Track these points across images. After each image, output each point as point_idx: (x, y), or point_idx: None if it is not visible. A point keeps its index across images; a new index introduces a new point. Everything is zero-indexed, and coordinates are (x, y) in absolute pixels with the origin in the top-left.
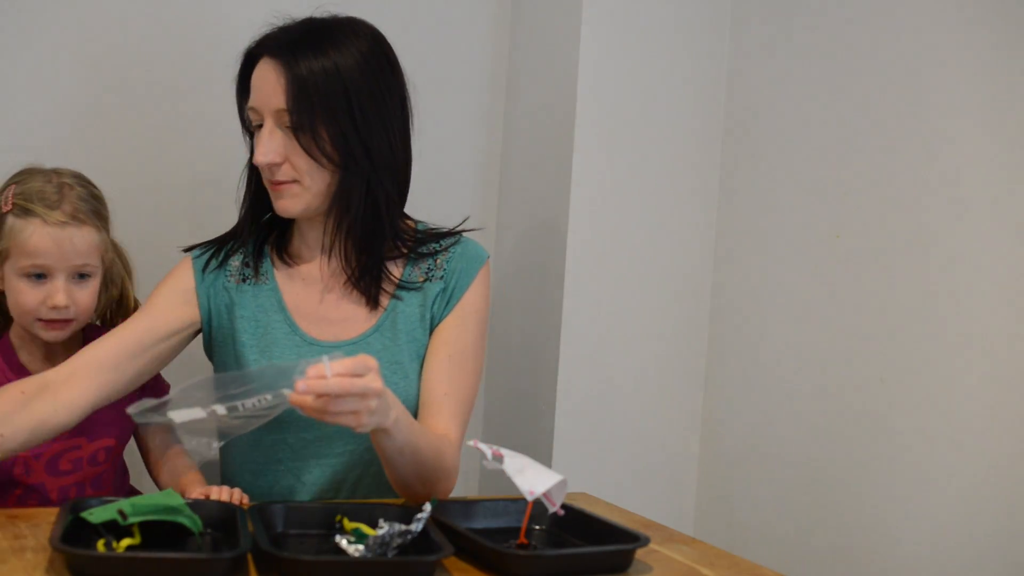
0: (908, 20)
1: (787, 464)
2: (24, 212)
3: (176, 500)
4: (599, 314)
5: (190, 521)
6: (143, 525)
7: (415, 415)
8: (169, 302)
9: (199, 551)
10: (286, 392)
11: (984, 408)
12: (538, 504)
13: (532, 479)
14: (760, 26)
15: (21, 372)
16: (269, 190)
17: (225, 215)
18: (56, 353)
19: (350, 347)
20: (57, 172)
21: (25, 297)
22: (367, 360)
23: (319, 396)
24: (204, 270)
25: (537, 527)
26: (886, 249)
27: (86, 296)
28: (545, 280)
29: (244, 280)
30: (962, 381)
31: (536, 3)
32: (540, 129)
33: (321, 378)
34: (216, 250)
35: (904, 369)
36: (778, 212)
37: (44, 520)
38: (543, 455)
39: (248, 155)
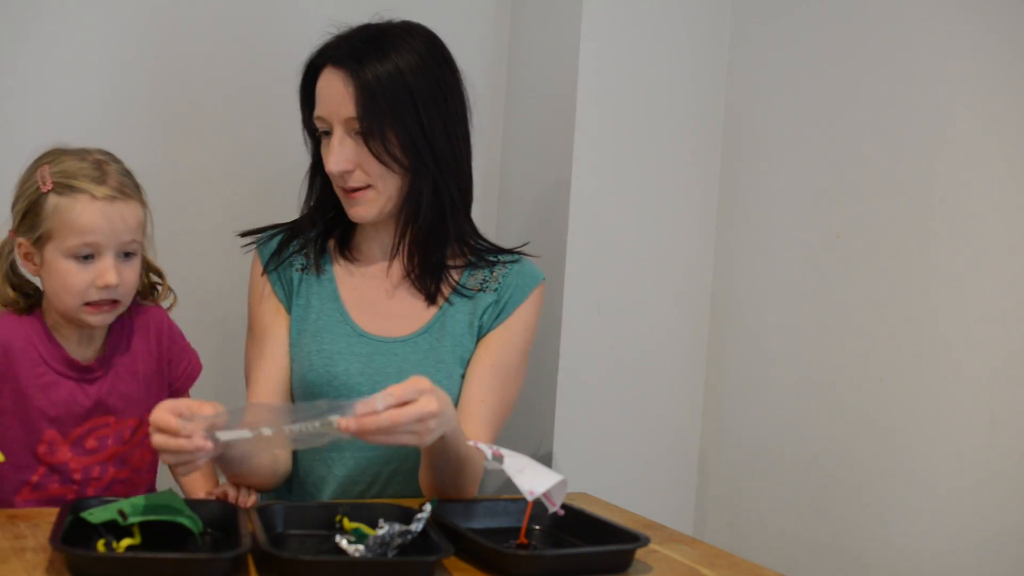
0: (908, 20)
1: (787, 464)
2: (69, 190)
3: (176, 500)
4: (599, 314)
5: (190, 521)
6: (143, 525)
7: None
8: (271, 320)
9: (199, 551)
10: (333, 420)
11: (984, 408)
12: (538, 504)
13: (532, 479)
14: (760, 26)
15: (61, 353)
16: (342, 197)
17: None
18: (92, 338)
19: (398, 344)
20: (86, 150)
21: (74, 279)
22: (419, 383)
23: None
24: (271, 264)
25: (537, 527)
26: (886, 249)
27: (132, 274)
28: (546, 279)
29: (303, 270)
30: (962, 381)
31: (536, 3)
32: (540, 129)
33: (372, 413)
34: (278, 240)
35: (904, 369)
36: (778, 212)
37: (44, 520)
38: (543, 455)
39: (311, 160)
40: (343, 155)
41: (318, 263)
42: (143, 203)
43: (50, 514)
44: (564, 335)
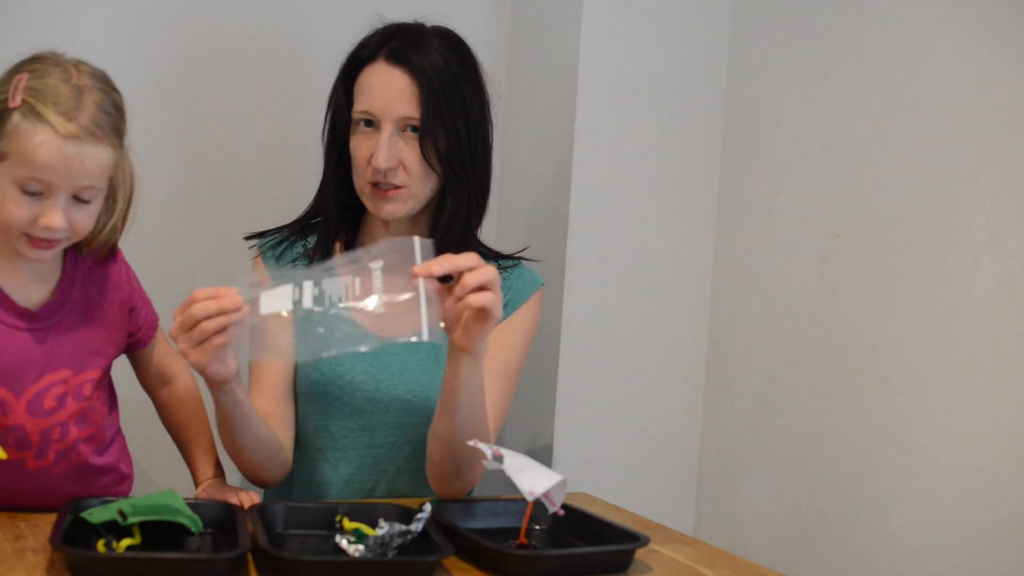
0: (909, 20)
1: (787, 464)
2: (34, 116)
3: (176, 500)
4: (599, 314)
5: (190, 521)
6: (143, 525)
7: None
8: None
9: (199, 551)
10: (375, 284)
11: (984, 408)
12: (538, 504)
13: (532, 479)
14: (760, 25)
15: (3, 300)
16: (370, 192)
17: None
18: (43, 280)
19: (402, 343)
20: (77, 68)
21: (17, 210)
22: (474, 256)
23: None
24: (276, 264)
25: (537, 527)
26: (886, 249)
27: (84, 219)
28: (545, 280)
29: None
30: (962, 381)
31: (536, 3)
32: (540, 129)
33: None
34: (283, 243)
35: (904, 369)
36: (778, 212)
37: (44, 520)
38: (543, 455)
39: (328, 156)
40: (392, 152)
41: (319, 261)
42: (115, 146)
43: (50, 514)
44: (564, 335)
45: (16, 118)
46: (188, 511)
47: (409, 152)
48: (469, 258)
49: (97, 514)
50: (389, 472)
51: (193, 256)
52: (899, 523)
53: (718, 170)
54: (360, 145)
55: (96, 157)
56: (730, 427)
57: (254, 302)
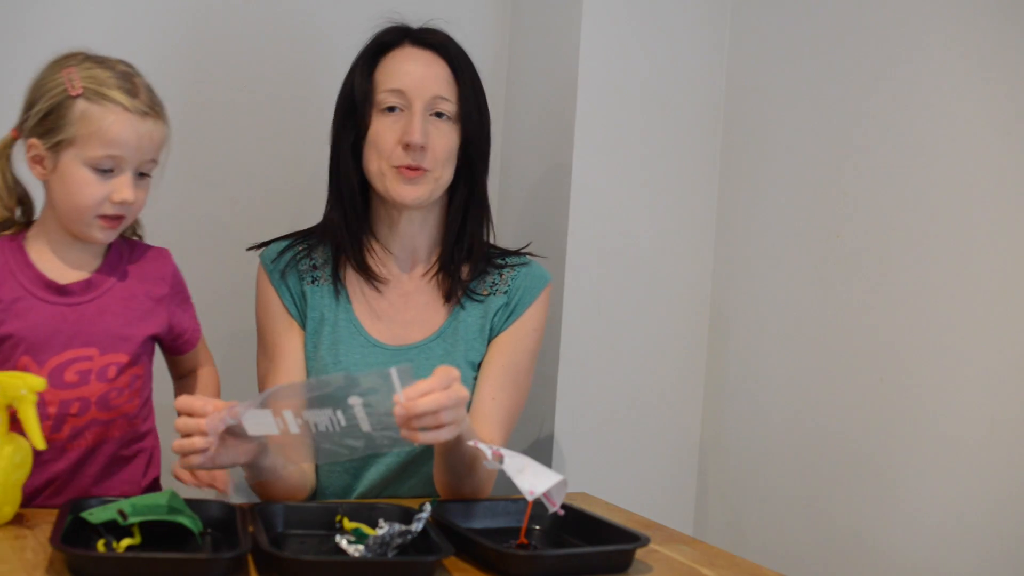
0: (909, 20)
1: (787, 464)
2: (100, 97)
3: (176, 500)
4: (599, 315)
5: (190, 521)
6: (143, 525)
7: None
8: (282, 335)
9: (199, 551)
10: (359, 416)
11: (984, 408)
12: (538, 504)
13: (532, 479)
14: (760, 25)
15: (35, 274)
16: (394, 176)
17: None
18: (83, 262)
19: (413, 351)
20: (109, 59)
21: (91, 189)
22: (450, 371)
23: (418, 416)
24: (281, 277)
25: (537, 527)
26: (886, 249)
27: (143, 195)
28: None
29: (314, 282)
30: (962, 381)
31: (536, 3)
32: (540, 129)
33: (418, 396)
34: (287, 252)
35: (904, 369)
36: (778, 212)
37: (44, 520)
38: (543, 455)
39: (336, 154)
40: (425, 129)
41: (328, 272)
42: (168, 123)
43: (50, 514)
44: (564, 335)
45: (82, 104)
46: (188, 511)
47: (438, 135)
48: (449, 395)
49: (97, 514)
50: (404, 477)
51: (196, 263)
52: (898, 521)
53: (718, 170)
54: (387, 129)
55: (160, 131)
56: (730, 427)
57: (241, 424)
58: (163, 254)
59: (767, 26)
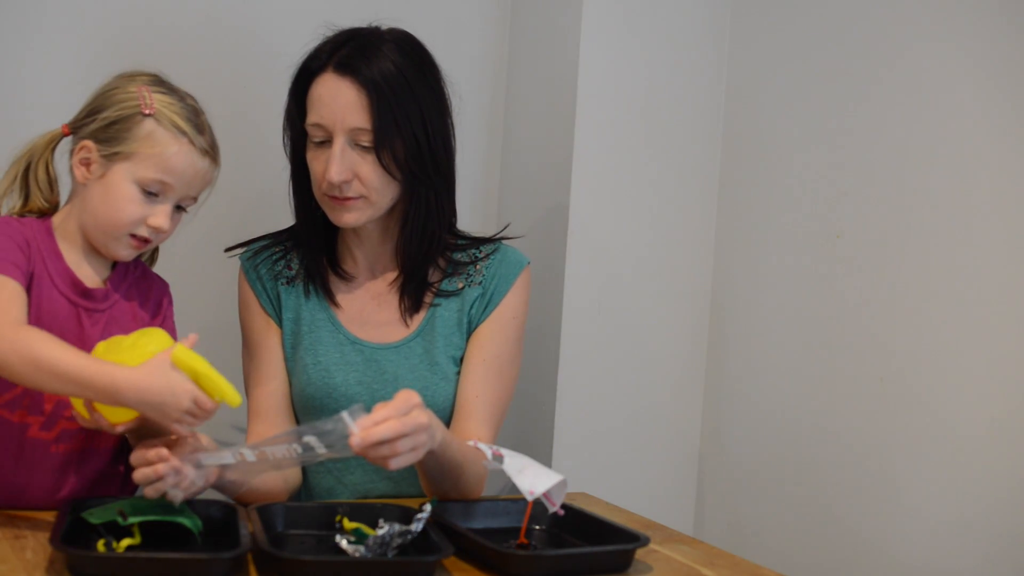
0: (908, 20)
1: (787, 464)
2: (172, 126)
3: None
4: (599, 314)
5: (190, 521)
6: (143, 525)
7: (451, 415)
8: (263, 334)
9: (199, 551)
10: (311, 440)
11: (984, 408)
12: (538, 504)
13: (532, 479)
14: (760, 26)
15: (65, 270)
16: (328, 203)
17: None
18: (96, 270)
19: (392, 350)
20: (180, 90)
21: (133, 207)
22: (410, 397)
23: (377, 445)
24: (258, 278)
25: (537, 527)
26: (886, 249)
27: (175, 227)
28: (545, 280)
29: (290, 282)
30: (962, 381)
31: (536, 4)
32: (540, 130)
33: (372, 425)
34: (263, 253)
35: (904, 369)
36: (778, 212)
37: (44, 520)
38: (543, 455)
39: (293, 167)
40: (345, 165)
41: (303, 273)
42: (219, 167)
43: (50, 514)
44: (564, 335)
45: (150, 124)
46: (188, 511)
47: (363, 164)
48: (405, 422)
49: (97, 514)
50: (391, 479)
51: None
52: (898, 521)
53: (718, 170)
54: (315, 159)
55: (212, 173)
56: (730, 427)
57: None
58: (164, 284)
59: (767, 26)
